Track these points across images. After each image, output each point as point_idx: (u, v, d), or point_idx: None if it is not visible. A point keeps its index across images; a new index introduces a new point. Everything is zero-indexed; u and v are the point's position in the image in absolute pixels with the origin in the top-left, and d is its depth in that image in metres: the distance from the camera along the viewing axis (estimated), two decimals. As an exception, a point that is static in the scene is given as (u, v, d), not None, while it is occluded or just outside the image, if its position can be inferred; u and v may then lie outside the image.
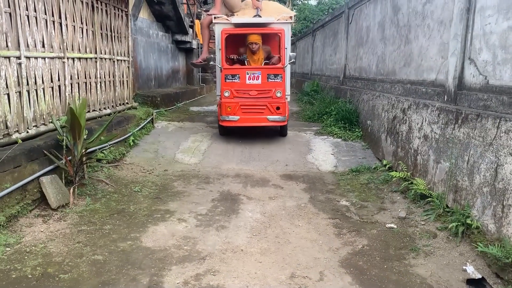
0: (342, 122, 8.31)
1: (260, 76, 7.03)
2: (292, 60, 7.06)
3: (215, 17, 7.29)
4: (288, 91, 7.48)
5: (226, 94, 7.04)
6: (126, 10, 7.85)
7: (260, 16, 7.36)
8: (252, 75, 7.02)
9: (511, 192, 3.35)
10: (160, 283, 3.12)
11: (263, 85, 7.05)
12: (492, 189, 3.60)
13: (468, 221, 3.82)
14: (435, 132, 4.81)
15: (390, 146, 6.24)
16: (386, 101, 6.65)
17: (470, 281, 3.33)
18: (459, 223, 3.91)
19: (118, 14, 7.47)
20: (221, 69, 7.12)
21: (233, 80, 7.04)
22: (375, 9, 8.04)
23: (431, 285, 3.27)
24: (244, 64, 7.42)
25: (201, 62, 7.98)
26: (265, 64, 7.44)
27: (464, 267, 3.49)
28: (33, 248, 3.52)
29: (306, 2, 34.83)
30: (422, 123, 5.19)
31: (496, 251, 3.28)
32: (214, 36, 7.78)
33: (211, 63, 7.15)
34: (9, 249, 3.46)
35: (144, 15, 11.30)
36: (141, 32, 10.84)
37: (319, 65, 14.32)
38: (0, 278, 3.02)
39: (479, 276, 3.34)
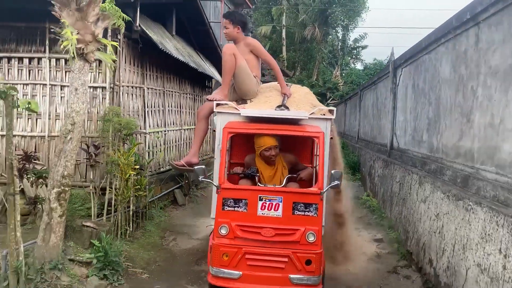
0: (349, 169, 12.24)
1: (281, 204, 4.24)
2: (336, 183, 4.18)
3: (217, 104, 4.91)
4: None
5: (223, 231, 4.23)
6: (210, 96, 12.60)
7: (286, 108, 4.91)
8: (267, 202, 4.25)
9: (396, 198, 7.23)
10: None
11: (286, 221, 4.21)
12: (392, 198, 7.48)
13: (383, 214, 7.68)
14: (381, 172, 8.72)
15: (369, 183, 10.11)
16: (369, 155, 10.60)
17: (376, 239, 7.15)
18: (381, 216, 7.77)
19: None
20: (217, 188, 4.35)
21: (235, 209, 4.30)
22: (370, 94, 12.16)
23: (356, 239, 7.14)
24: (254, 182, 4.66)
25: (183, 166, 5.67)
26: (289, 180, 4.70)
27: (375, 234, 7.32)
28: (176, 218, 7.87)
29: (353, 66, 39.31)
30: (377, 168, 9.11)
31: (384, 222, 7.16)
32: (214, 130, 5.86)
33: (201, 177, 4.42)
34: (167, 217, 7.82)
35: (217, 94, 16.23)
36: (216, 106, 15.68)
37: (347, 127, 18.41)
38: (168, 225, 7.37)
39: (380, 235, 7.15)
